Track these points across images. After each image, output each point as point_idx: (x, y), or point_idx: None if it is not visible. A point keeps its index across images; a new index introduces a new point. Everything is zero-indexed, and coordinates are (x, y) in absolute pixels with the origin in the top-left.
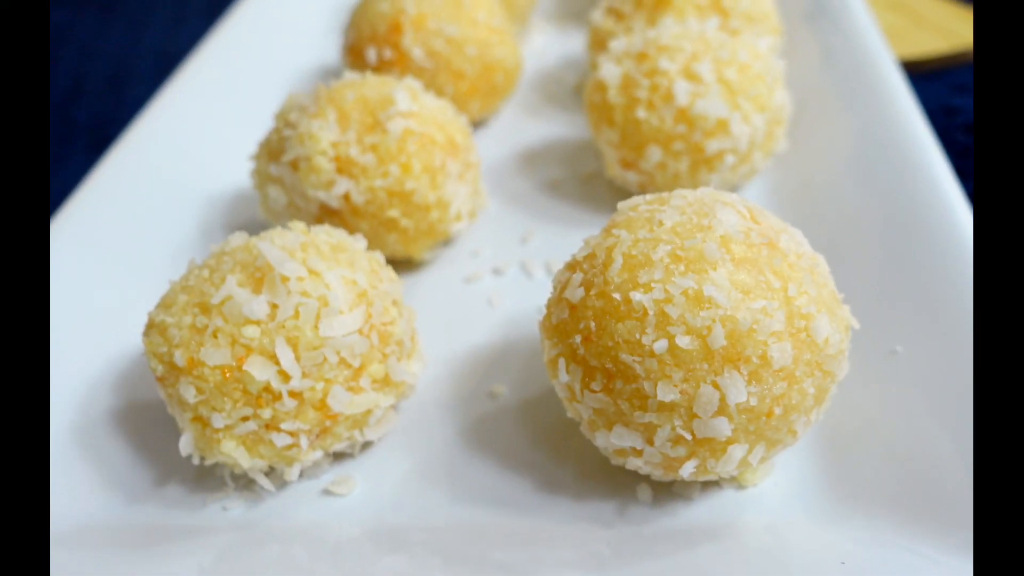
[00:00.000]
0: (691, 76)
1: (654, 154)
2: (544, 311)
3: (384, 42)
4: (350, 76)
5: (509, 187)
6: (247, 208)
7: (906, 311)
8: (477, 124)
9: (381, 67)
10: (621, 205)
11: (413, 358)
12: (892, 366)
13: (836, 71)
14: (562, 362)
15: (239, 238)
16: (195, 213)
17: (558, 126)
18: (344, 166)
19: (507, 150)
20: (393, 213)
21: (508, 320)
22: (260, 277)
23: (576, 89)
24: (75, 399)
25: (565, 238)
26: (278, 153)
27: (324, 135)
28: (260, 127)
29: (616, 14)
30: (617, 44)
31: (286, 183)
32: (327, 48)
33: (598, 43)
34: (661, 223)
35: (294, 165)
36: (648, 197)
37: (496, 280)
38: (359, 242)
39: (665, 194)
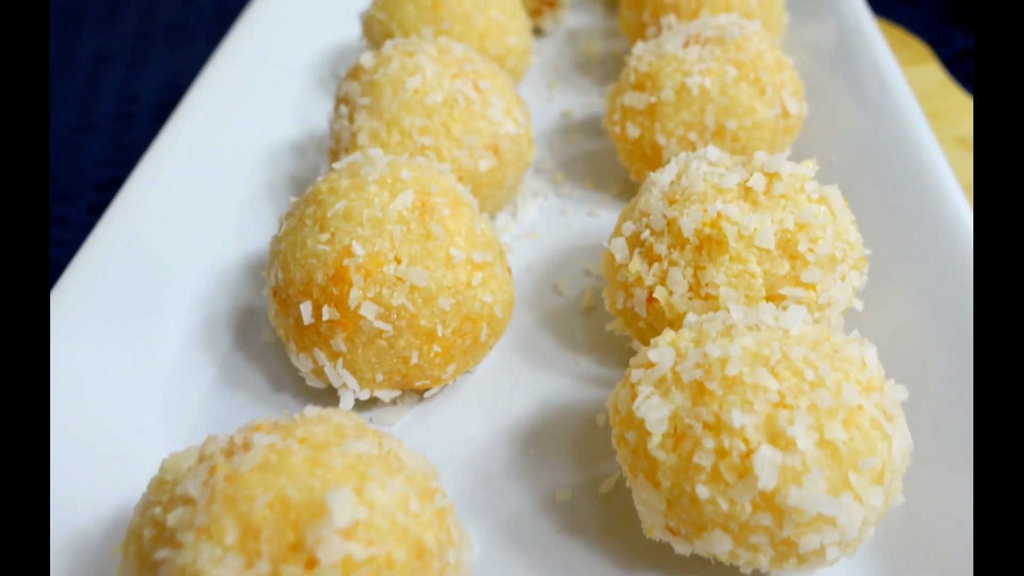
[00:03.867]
0: (778, 439)
1: (721, 542)
2: None
3: (324, 296)
4: (252, 457)
5: (503, 507)
6: None
7: None
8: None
9: (318, 326)
10: None
11: None
12: None
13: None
14: None
15: None
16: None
17: (560, 379)
18: None
19: (493, 427)
20: None
21: None
22: None
23: (583, 310)
24: None
25: None
26: (147, 564)
27: (217, 573)
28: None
29: (646, 252)
30: (660, 356)
31: None
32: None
33: (617, 281)
34: None
35: None
36: None
37: None
38: None
39: None
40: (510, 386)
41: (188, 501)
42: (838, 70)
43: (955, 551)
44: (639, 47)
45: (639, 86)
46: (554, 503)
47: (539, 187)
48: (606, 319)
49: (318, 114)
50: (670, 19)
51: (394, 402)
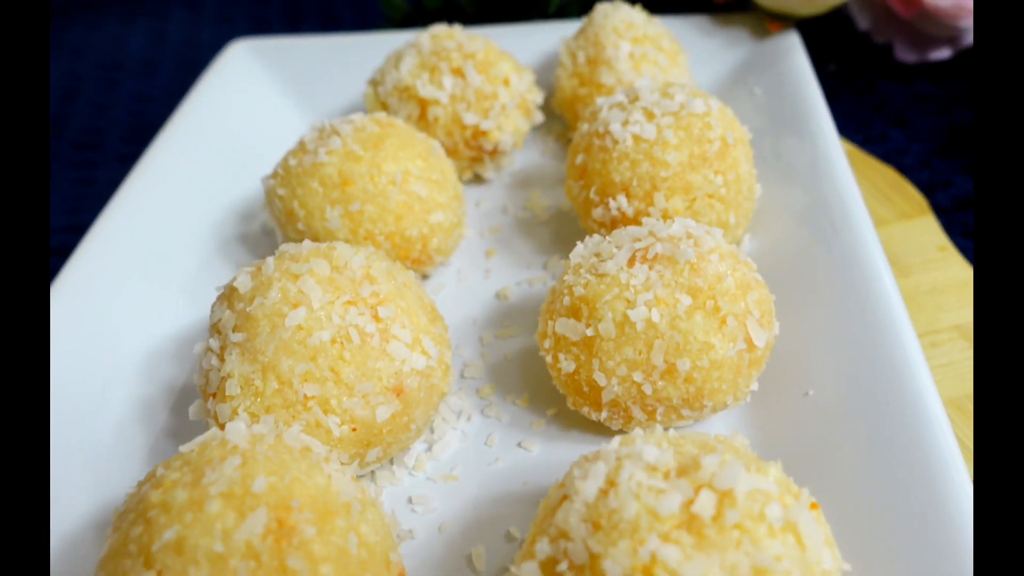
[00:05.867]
0: None
1: None
2: None
3: None
4: None
5: None
6: None
7: None
8: None
9: None
10: None
11: None
12: None
13: None
14: None
15: None
16: None
17: None
18: None
19: None
20: None
21: None
22: None
23: None
24: None
25: None
26: None
27: None
28: None
29: None
30: None
31: None
32: None
33: None
34: None
35: None
36: None
37: None
38: None
39: None
40: None
41: None
42: (819, 254)
43: None
44: (577, 251)
45: (574, 312)
46: None
47: (462, 405)
48: None
49: (213, 293)
50: (620, 201)
51: None
